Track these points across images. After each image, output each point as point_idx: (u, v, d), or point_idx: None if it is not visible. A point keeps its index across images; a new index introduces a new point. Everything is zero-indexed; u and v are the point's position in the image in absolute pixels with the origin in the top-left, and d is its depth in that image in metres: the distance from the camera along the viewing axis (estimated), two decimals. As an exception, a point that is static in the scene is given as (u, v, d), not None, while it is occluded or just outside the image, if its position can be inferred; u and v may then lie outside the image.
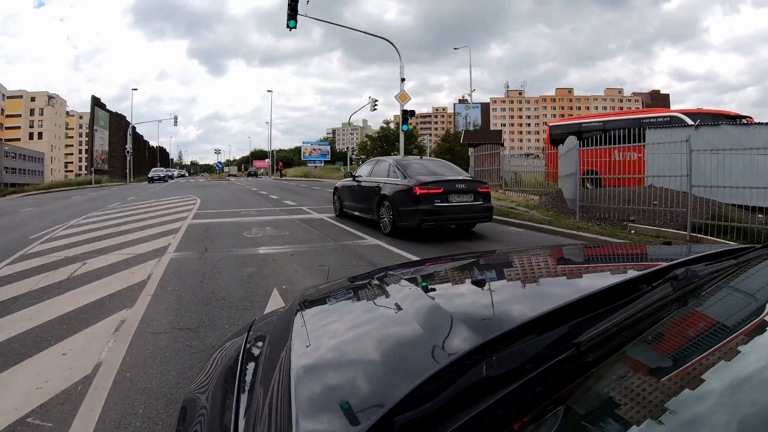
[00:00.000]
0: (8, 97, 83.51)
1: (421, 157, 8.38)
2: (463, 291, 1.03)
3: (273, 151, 65.74)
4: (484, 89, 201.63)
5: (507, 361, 0.57)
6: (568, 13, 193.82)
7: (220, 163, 46.13)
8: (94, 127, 48.62)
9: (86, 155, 46.98)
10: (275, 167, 55.60)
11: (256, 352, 0.89)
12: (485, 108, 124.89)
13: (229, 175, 66.74)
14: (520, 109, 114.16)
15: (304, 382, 0.65)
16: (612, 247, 2.02)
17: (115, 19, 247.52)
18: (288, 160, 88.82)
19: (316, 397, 0.63)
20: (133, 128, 54.96)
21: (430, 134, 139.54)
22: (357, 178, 8.43)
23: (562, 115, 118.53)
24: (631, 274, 0.86)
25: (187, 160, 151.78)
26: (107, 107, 55.78)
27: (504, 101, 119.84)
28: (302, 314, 0.94)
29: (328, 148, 54.90)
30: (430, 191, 6.51)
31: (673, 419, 0.44)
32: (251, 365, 0.84)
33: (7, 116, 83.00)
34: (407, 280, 1.12)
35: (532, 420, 0.50)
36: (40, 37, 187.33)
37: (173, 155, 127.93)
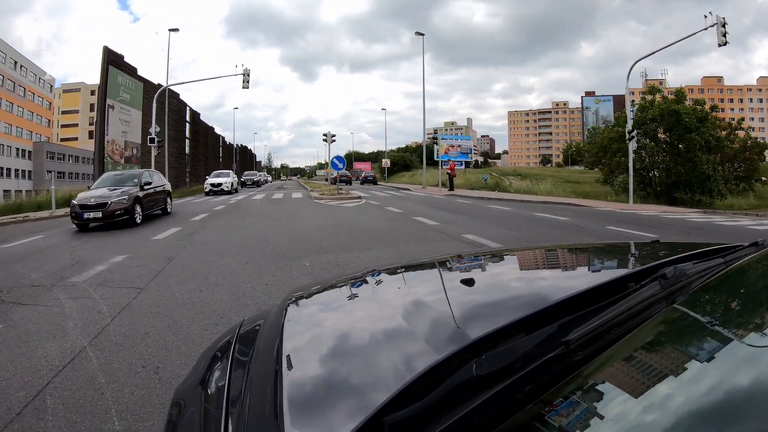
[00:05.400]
0: (65, 92, 66.99)
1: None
2: (453, 291, 1.06)
3: (434, 135, 40.84)
4: (575, 89, 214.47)
5: (497, 360, 0.60)
6: (659, 9, 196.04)
7: (340, 159, 20.98)
8: (108, 102, 27.95)
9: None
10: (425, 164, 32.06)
11: (245, 351, 0.92)
12: (618, 100, 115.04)
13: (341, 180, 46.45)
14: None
15: (294, 382, 0.69)
16: (601, 245, 1.96)
17: (210, 31, 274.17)
18: (406, 160, 65.67)
19: (306, 397, 0.67)
20: (169, 92, 30.49)
21: (550, 132, 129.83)
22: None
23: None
24: (620, 272, 0.90)
25: (277, 164, 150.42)
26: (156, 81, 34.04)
27: (643, 92, 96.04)
28: (291, 313, 0.99)
29: (470, 143, 41.06)
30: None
31: (662, 417, 0.47)
32: (241, 364, 0.87)
33: (64, 113, 77.00)
34: (397, 279, 1.20)
35: (522, 418, 0.54)
36: (134, 50, 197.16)
37: (262, 158, 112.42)
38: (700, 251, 0.97)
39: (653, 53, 21.62)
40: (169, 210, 13.94)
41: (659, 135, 23.30)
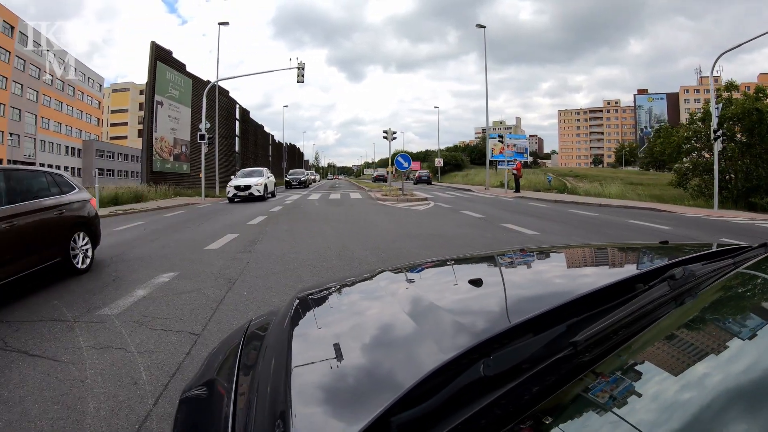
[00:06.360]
0: (114, 91, 69.74)
1: None
2: (461, 291, 1.07)
3: (499, 133, 39.12)
4: (623, 87, 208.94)
5: (504, 361, 0.61)
6: (708, 3, 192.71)
7: (405, 158, 20.25)
8: (157, 98, 26.85)
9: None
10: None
11: (253, 351, 0.92)
12: (672, 99, 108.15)
13: (377, 179, 49.21)
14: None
15: (301, 382, 0.70)
16: (609, 246, 1.97)
17: (258, 32, 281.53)
18: (457, 160, 64.00)
19: (313, 397, 0.68)
20: (218, 89, 29.74)
21: (602, 132, 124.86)
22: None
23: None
24: (628, 273, 0.90)
25: (324, 163, 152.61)
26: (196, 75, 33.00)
27: (698, 90, 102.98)
28: (299, 314, 0.99)
29: (526, 143, 36.36)
30: None
31: (669, 418, 0.47)
32: (248, 364, 0.88)
33: (113, 112, 79.22)
34: (406, 280, 1.19)
35: (529, 419, 0.54)
36: (182, 51, 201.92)
37: (309, 157, 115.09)
38: (709, 252, 0.97)
39: (742, 44, 18.65)
40: (81, 265, 5.41)
41: (737, 135, 21.51)
